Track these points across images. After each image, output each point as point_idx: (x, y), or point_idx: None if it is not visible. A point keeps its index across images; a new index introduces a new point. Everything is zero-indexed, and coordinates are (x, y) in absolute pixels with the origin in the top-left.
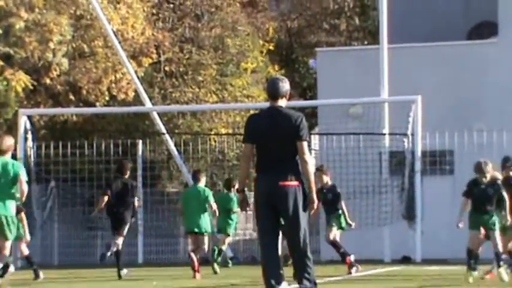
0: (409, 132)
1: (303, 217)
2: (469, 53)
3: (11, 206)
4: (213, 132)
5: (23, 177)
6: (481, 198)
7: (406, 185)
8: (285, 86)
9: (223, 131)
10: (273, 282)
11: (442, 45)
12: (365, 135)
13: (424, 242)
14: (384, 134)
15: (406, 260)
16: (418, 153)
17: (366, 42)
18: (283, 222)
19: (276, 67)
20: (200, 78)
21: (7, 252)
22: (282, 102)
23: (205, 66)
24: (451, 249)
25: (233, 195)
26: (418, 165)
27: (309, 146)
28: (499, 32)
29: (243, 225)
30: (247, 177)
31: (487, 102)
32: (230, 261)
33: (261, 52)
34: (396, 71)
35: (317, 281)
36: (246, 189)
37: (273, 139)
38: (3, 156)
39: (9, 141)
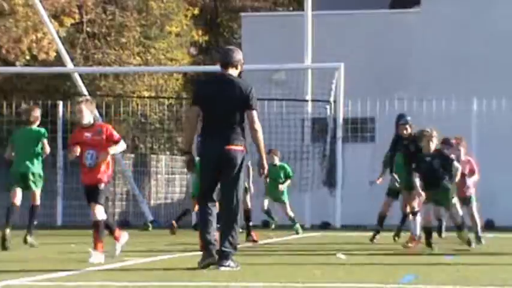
0: (331, 99)
1: (241, 183)
2: (392, 21)
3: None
4: (135, 95)
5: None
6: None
7: (328, 152)
8: (237, 56)
9: (146, 94)
10: (209, 239)
11: (366, 14)
12: (288, 102)
13: (344, 208)
14: (307, 101)
15: (325, 226)
16: (340, 120)
17: (291, 8)
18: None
19: (200, 31)
20: (123, 40)
21: None
22: (233, 71)
23: (128, 28)
24: (370, 216)
25: None
26: (339, 132)
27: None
28: (422, 2)
29: (165, 189)
30: (192, 139)
31: (409, 71)
32: (150, 225)
33: (186, 16)
34: (320, 38)
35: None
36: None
37: (222, 105)
38: (31, 126)
39: (37, 112)
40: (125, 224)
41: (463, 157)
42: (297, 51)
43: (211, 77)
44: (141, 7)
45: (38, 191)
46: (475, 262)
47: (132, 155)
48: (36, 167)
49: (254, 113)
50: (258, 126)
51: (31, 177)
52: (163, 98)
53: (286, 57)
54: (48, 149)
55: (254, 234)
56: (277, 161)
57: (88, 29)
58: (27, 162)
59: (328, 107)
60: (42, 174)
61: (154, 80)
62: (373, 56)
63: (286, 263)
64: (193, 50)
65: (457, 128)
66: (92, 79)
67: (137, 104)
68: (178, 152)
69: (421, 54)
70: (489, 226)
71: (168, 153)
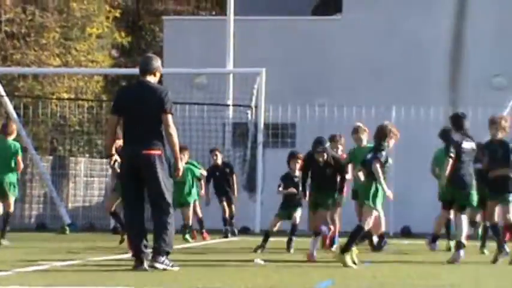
0: (252, 104)
1: (165, 184)
2: (313, 28)
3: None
4: (55, 97)
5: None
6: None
7: (248, 157)
8: (155, 63)
9: (65, 95)
10: (137, 246)
11: (288, 20)
12: (209, 106)
13: (264, 213)
14: (228, 105)
15: (245, 231)
16: (261, 126)
17: (213, 13)
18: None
19: (123, 33)
20: (43, 41)
21: None
22: (151, 78)
23: (48, 29)
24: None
25: None
26: (260, 137)
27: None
28: (343, 9)
29: (83, 192)
30: (112, 145)
31: (330, 78)
32: (68, 228)
33: (107, 18)
34: (242, 43)
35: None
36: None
37: (140, 111)
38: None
39: (14, 126)
40: (41, 227)
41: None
42: (219, 55)
43: (130, 84)
44: (62, 8)
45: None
46: (392, 268)
47: (51, 157)
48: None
49: (169, 117)
50: (172, 130)
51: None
52: (83, 100)
53: (208, 61)
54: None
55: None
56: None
57: (6, 28)
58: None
59: (249, 112)
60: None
61: (74, 81)
62: (294, 62)
63: (205, 268)
64: (114, 52)
65: None
66: (10, 80)
67: (56, 106)
68: (97, 155)
69: (341, 62)
70: (406, 233)
71: (87, 155)
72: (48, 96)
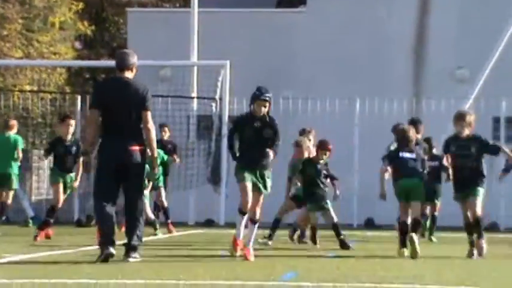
0: (217, 96)
1: (143, 180)
2: (278, 20)
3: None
4: (17, 89)
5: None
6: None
7: (213, 149)
8: (132, 59)
9: (28, 87)
10: (108, 237)
11: (252, 12)
12: (173, 98)
13: (228, 205)
14: (192, 98)
15: (209, 223)
16: (226, 118)
17: (177, 5)
18: (125, 183)
19: (86, 24)
20: (5, 33)
21: None
22: (128, 74)
23: (10, 20)
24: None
25: None
26: (225, 130)
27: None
28: (307, 1)
29: (47, 185)
30: (93, 141)
31: (295, 70)
32: (31, 221)
33: (70, 9)
34: (206, 35)
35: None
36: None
37: (121, 107)
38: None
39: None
40: (4, 220)
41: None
42: (183, 48)
43: (108, 79)
44: None
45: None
46: (355, 260)
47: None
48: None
49: (148, 113)
50: (151, 126)
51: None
52: (46, 92)
53: (172, 53)
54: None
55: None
56: None
57: None
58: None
59: (213, 104)
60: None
61: (37, 73)
62: (259, 54)
63: (169, 261)
64: (77, 44)
65: (340, 128)
66: None
67: (19, 98)
68: None
69: (306, 54)
70: (369, 224)
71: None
72: (10, 88)
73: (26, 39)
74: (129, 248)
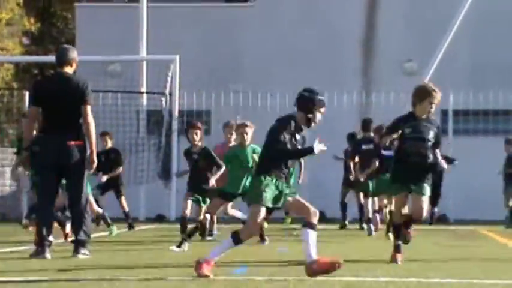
0: (167, 91)
1: (84, 175)
2: (227, 14)
3: None
4: None
5: None
6: None
7: (163, 144)
8: (72, 54)
9: None
10: (44, 235)
11: (201, 6)
12: (123, 94)
13: (179, 200)
14: (142, 93)
15: (160, 219)
16: (176, 113)
17: (126, 0)
18: (64, 180)
19: (33, 20)
20: None
21: None
22: (68, 69)
23: None
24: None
25: None
26: (175, 125)
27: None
28: None
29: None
30: (31, 137)
31: (244, 64)
32: None
33: (18, 4)
34: (155, 30)
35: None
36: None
37: (60, 102)
38: None
39: None
40: None
41: None
42: (133, 42)
43: (47, 75)
44: None
45: None
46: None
47: None
48: None
49: (88, 107)
50: (90, 119)
51: None
52: None
53: (121, 48)
54: None
55: None
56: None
57: None
58: None
59: (163, 99)
60: None
61: None
62: (208, 49)
63: (119, 256)
64: (25, 40)
65: None
66: None
67: None
68: (9, 144)
69: (256, 48)
70: (320, 218)
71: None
72: None
73: None
74: (77, 244)
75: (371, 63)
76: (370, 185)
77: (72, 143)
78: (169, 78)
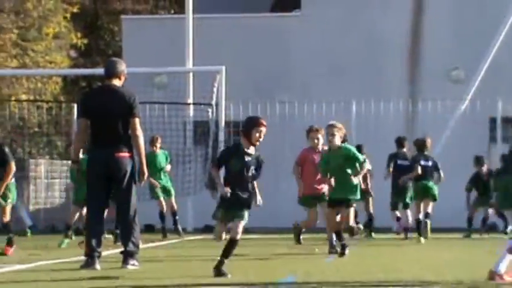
0: (213, 102)
1: (134, 187)
2: (273, 25)
3: None
4: (13, 98)
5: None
6: None
7: (210, 155)
8: (120, 67)
9: (24, 97)
10: (93, 244)
11: (247, 17)
12: (170, 105)
13: None
14: (189, 104)
15: (208, 229)
16: (222, 124)
17: (172, 11)
18: (114, 191)
19: (80, 33)
20: (0, 43)
21: None
22: (116, 82)
23: (5, 29)
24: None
25: None
26: (221, 136)
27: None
28: (302, 6)
29: (44, 194)
30: (80, 149)
31: (290, 74)
32: (29, 230)
33: (65, 17)
34: (202, 41)
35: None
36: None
37: (109, 115)
38: None
39: None
40: (1, 230)
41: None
42: (179, 54)
43: (96, 88)
44: (18, 8)
45: None
46: (355, 263)
47: None
48: None
49: (136, 120)
50: (139, 132)
51: None
52: (42, 101)
53: (167, 60)
54: None
55: None
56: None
57: None
58: None
59: (210, 110)
60: None
61: (32, 83)
62: (254, 59)
63: (169, 266)
64: (73, 53)
65: None
66: None
67: (15, 108)
68: (58, 156)
69: (301, 58)
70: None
71: (47, 157)
72: (6, 98)
73: (21, 48)
74: (127, 255)
75: (417, 72)
76: (409, 195)
77: (121, 154)
78: (215, 89)
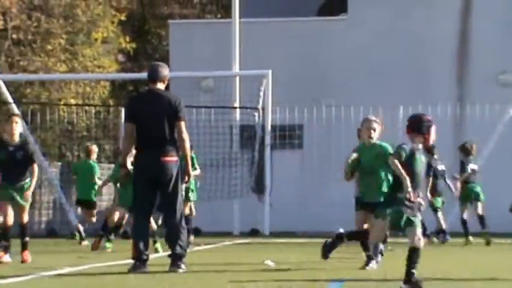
0: (259, 106)
1: (180, 190)
2: (319, 29)
3: None
4: (62, 103)
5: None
6: None
7: (256, 159)
8: (164, 71)
9: (72, 101)
10: (141, 247)
11: (293, 21)
12: (216, 109)
13: (273, 214)
14: (235, 108)
15: (254, 233)
16: (268, 127)
17: (219, 16)
18: (159, 195)
19: (128, 38)
20: (49, 47)
21: None
22: (160, 86)
23: (54, 35)
24: (298, 222)
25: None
26: (268, 139)
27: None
28: (348, 9)
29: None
30: (128, 154)
31: (336, 78)
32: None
33: (113, 22)
34: (248, 45)
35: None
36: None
37: (154, 119)
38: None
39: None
40: (51, 233)
41: None
42: (225, 58)
43: (140, 92)
44: (67, 14)
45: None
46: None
47: (59, 163)
48: None
49: (182, 123)
50: (185, 136)
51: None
52: (90, 105)
53: (214, 64)
54: None
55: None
56: None
57: (13, 35)
58: None
59: (256, 114)
60: None
61: (81, 87)
62: (301, 63)
63: (215, 270)
64: (121, 57)
65: (384, 134)
66: (17, 86)
67: (64, 112)
68: (105, 160)
69: (348, 61)
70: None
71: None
72: (55, 102)
73: (70, 53)
74: (175, 258)
75: (465, 74)
76: (440, 200)
77: (167, 159)
78: (262, 93)
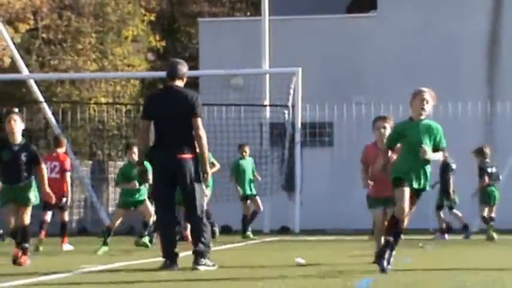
0: (289, 104)
1: (198, 186)
2: (349, 26)
3: None
4: (92, 101)
5: None
6: None
7: (286, 156)
8: (183, 69)
9: (103, 100)
10: (169, 245)
11: (322, 18)
12: (246, 107)
13: (303, 212)
14: (265, 106)
15: (284, 231)
16: (298, 125)
17: (248, 14)
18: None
19: (158, 36)
20: (80, 46)
21: None
22: (179, 83)
23: (84, 34)
24: (329, 220)
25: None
26: (298, 137)
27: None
28: (378, 6)
29: None
30: (145, 151)
31: (366, 75)
32: None
33: (142, 21)
34: (277, 43)
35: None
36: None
37: (171, 116)
38: None
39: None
40: (82, 231)
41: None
42: (255, 56)
43: (158, 89)
44: (97, 13)
45: None
46: (431, 266)
47: (90, 162)
48: None
49: (199, 120)
50: (202, 132)
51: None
52: (121, 104)
53: (244, 62)
54: None
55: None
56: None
57: (43, 35)
58: None
59: (286, 111)
60: None
61: (111, 86)
62: (330, 61)
63: (245, 267)
64: (150, 56)
65: None
66: (48, 85)
67: (94, 111)
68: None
69: (378, 59)
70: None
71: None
72: (86, 101)
73: (100, 52)
74: (197, 255)
75: (495, 72)
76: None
77: (184, 156)
78: (291, 91)
